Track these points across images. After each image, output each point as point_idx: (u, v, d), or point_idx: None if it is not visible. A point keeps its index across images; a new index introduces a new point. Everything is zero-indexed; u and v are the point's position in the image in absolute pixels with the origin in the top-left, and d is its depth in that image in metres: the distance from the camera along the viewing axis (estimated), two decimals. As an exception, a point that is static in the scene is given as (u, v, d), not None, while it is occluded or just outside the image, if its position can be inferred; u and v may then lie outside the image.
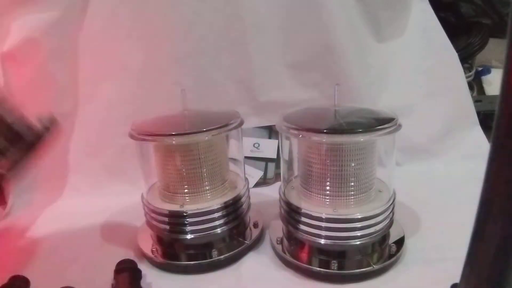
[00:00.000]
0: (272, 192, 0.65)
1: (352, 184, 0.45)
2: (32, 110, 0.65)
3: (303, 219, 0.45)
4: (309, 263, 0.46)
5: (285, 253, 0.48)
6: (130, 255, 0.49)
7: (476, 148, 0.72)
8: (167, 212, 0.48)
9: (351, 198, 0.45)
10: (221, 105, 0.72)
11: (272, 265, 0.48)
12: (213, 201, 0.49)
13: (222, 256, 0.48)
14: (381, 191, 0.48)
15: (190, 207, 0.48)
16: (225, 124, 0.47)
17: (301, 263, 0.46)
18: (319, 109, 0.53)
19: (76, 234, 0.58)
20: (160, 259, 0.49)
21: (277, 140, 0.73)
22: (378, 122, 0.43)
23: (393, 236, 0.49)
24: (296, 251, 0.48)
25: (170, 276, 0.47)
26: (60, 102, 0.69)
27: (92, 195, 0.69)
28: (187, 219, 0.48)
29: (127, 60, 0.69)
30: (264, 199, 0.64)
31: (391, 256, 0.46)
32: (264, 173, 0.72)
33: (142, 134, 0.46)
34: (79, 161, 0.72)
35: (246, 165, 0.63)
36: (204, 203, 0.49)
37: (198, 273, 0.47)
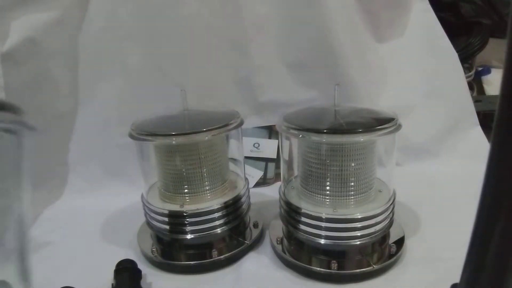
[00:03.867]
0: (272, 192, 0.65)
1: (352, 184, 0.45)
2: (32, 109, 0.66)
3: (303, 219, 0.45)
4: (309, 263, 0.46)
5: (285, 253, 0.48)
6: (130, 255, 0.49)
7: (476, 148, 0.72)
8: (167, 212, 0.48)
9: (351, 198, 0.45)
10: (221, 105, 0.72)
11: (272, 265, 0.48)
12: (213, 201, 0.49)
13: (222, 256, 0.48)
14: (381, 191, 0.48)
15: (190, 207, 0.48)
16: (225, 124, 0.47)
17: (301, 263, 0.45)
18: (319, 109, 0.53)
19: (76, 234, 0.58)
20: (160, 259, 0.49)
21: (277, 140, 0.73)
22: (378, 122, 0.43)
23: (393, 236, 0.49)
24: (296, 251, 0.48)
25: (170, 276, 0.47)
26: (60, 102, 0.69)
27: (92, 195, 0.69)
28: (187, 219, 0.48)
29: (127, 60, 0.69)
30: (264, 199, 0.64)
31: (391, 256, 0.46)
32: (264, 173, 0.72)
33: (142, 134, 0.46)
34: (79, 161, 0.72)
35: (246, 165, 0.63)
36: (204, 203, 0.49)
37: (198, 273, 0.47)
